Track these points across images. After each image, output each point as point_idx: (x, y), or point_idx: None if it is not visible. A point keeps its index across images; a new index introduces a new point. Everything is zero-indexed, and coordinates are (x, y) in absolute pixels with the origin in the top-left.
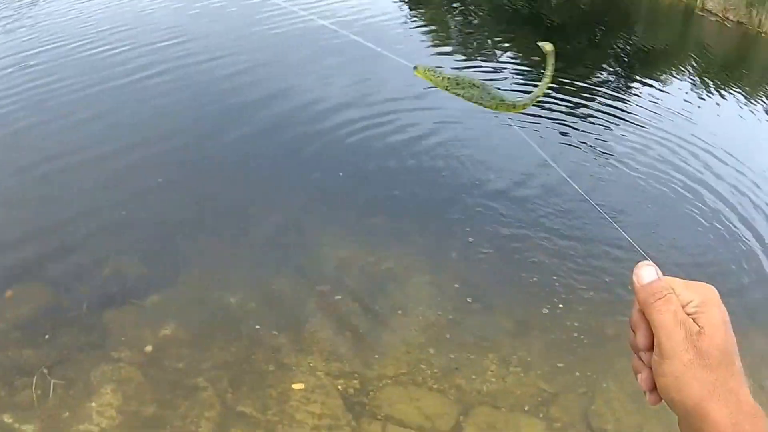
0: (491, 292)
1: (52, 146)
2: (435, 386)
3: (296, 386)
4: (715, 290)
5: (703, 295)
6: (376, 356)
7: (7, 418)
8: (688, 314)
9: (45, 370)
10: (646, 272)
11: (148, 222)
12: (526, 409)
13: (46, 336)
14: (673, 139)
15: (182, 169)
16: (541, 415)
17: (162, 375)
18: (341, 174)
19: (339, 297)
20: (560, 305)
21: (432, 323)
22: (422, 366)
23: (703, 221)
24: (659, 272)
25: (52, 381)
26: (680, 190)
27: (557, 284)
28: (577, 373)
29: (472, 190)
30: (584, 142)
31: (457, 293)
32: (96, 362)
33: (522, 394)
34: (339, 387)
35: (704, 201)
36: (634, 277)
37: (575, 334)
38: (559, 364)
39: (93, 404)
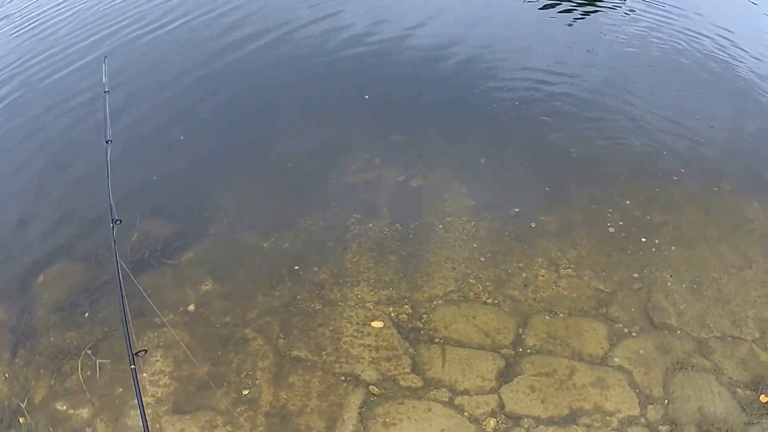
0: (530, 196)
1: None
2: (488, 300)
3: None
4: None
5: None
6: (423, 277)
7: (61, 406)
8: None
9: (89, 351)
10: None
11: (167, 180)
12: (584, 312)
13: (86, 314)
14: None
15: (197, 122)
16: (600, 317)
17: (209, 332)
18: (367, 97)
19: (373, 222)
20: (602, 201)
21: (474, 235)
22: (471, 280)
23: None
24: None
25: (98, 361)
26: None
27: (596, 180)
28: (630, 269)
29: (490, 92)
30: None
31: (494, 201)
32: (140, 331)
33: (577, 297)
34: (391, 315)
35: None
36: None
37: (620, 224)
38: (610, 262)
39: (144, 375)
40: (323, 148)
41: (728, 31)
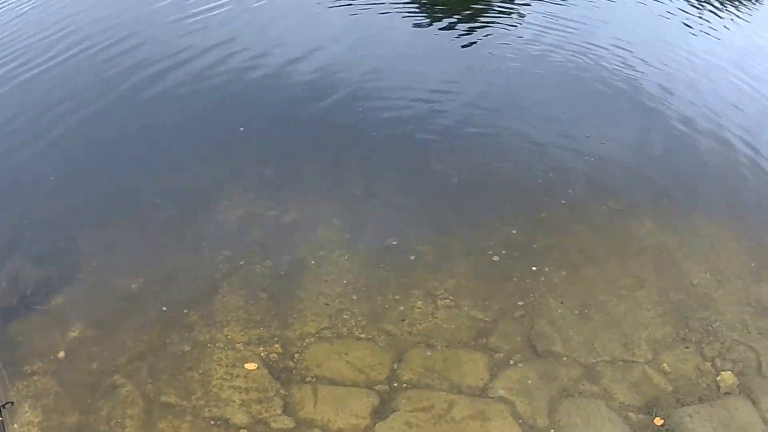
0: (408, 226)
1: None
2: (362, 335)
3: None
4: None
5: None
6: (295, 315)
7: None
8: None
9: None
10: None
11: (37, 223)
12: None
13: None
14: None
15: (66, 163)
16: (480, 348)
17: (78, 379)
18: (242, 129)
19: (244, 260)
20: (483, 228)
21: (347, 269)
22: (345, 316)
23: None
24: None
25: None
26: None
27: (479, 207)
28: (512, 297)
29: (369, 120)
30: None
31: (370, 233)
32: (9, 380)
33: (456, 328)
34: (261, 355)
35: None
36: None
37: (503, 252)
38: (491, 290)
39: (15, 426)
40: (194, 185)
41: (627, 43)
